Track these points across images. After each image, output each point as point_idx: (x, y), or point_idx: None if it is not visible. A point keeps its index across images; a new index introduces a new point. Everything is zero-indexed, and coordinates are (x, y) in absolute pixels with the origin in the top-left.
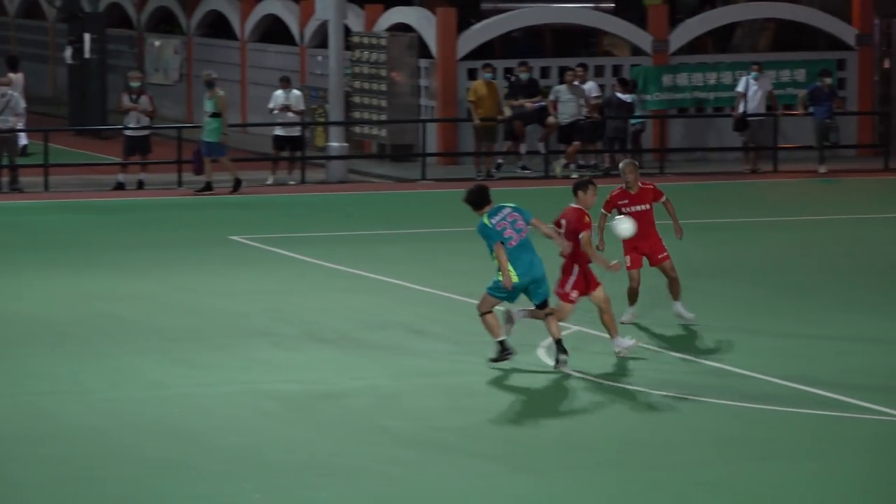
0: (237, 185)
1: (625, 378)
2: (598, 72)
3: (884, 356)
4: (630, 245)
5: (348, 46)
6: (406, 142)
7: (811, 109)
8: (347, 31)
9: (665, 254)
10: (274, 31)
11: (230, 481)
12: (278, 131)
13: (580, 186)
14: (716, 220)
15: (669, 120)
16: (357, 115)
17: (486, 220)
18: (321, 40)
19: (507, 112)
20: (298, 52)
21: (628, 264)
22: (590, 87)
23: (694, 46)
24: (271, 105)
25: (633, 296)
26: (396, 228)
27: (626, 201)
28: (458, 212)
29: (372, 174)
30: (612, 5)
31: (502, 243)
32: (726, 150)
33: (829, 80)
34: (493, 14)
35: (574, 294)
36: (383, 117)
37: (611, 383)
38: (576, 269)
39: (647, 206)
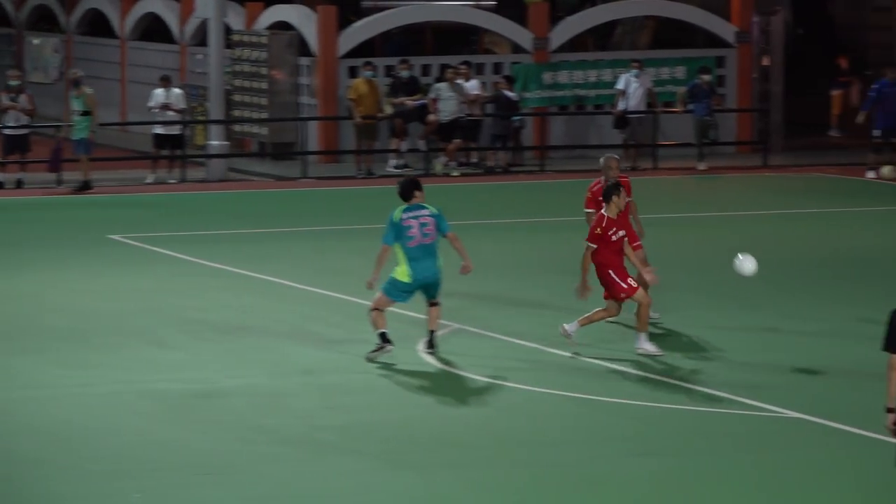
0: (85, 187)
1: (505, 375)
2: (479, 70)
3: (759, 352)
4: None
5: (229, 45)
6: (286, 140)
7: (691, 107)
8: (228, 30)
9: (639, 243)
10: (154, 29)
11: (109, 481)
12: (158, 130)
13: (613, 191)
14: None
15: (550, 117)
16: (237, 113)
17: (395, 213)
18: (201, 38)
19: (388, 110)
20: (178, 50)
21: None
22: (472, 84)
23: (574, 44)
24: (151, 104)
25: None
26: (277, 227)
27: None
28: (340, 210)
29: (252, 172)
30: (494, 3)
31: (398, 243)
32: (606, 147)
33: (708, 78)
34: (373, 12)
35: (632, 281)
36: (264, 115)
37: (491, 380)
38: (610, 272)
39: (629, 199)
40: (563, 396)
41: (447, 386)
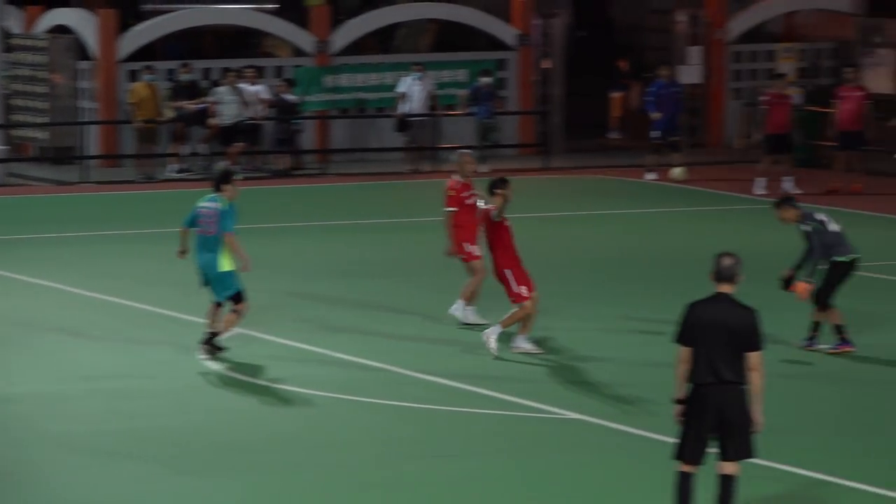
0: None
1: (288, 379)
2: (261, 73)
3: (538, 355)
4: (463, 238)
5: (7, 48)
6: (67, 144)
7: (472, 109)
8: (6, 34)
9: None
10: None
11: None
12: None
13: (496, 185)
14: (378, 221)
15: (331, 121)
16: (17, 117)
17: (200, 199)
18: None
19: (169, 114)
20: None
21: (479, 254)
22: (260, 88)
23: (356, 47)
24: None
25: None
26: (55, 232)
27: (469, 193)
28: (120, 214)
29: (32, 178)
30: (275, 6)
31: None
32: (388, 150)
33: (489, 80)
34: (153, 16)
35: (524, 290)
36: (44, 120)
37: (274, 385)
38: (507, 272)
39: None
40: (348, 400)
41: (230, 390)
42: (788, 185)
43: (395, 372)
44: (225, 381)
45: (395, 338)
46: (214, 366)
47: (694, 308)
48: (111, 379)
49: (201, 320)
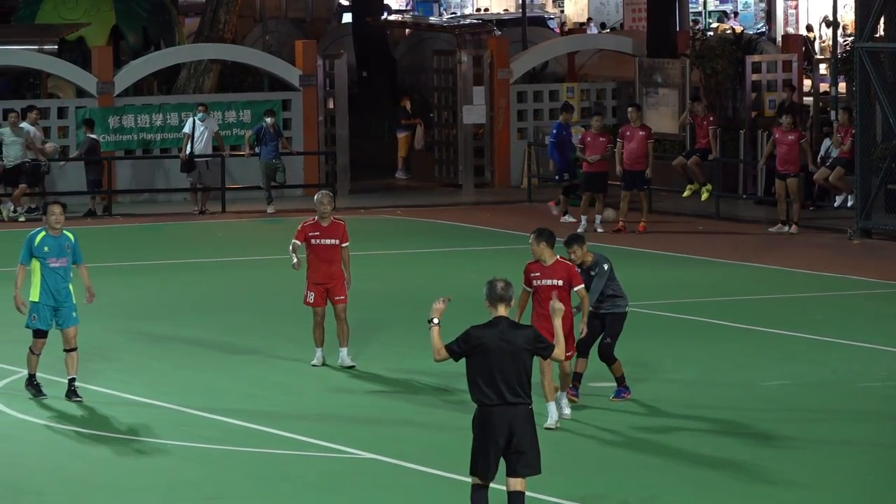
0: None
1: (78, 421)
2: (44, 114)
3: (335, 395)
4: (315, 280)
5: None
6: None
7: (258, 150)
8: None
9: (343, 297)
10: None
11: None
12: None
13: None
14: (165, 261)
15: (116, 162)
16: None
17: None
18: None
19: None
20: None
21: (311, 301)
22: (31, 129)
23: (140, 88)
24: None
25: (319, 335)
26: None
27: (318, 233)
28: None
29: None
30: (55, 48)
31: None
32: (174, 191)
33: (271, 121)
34: None
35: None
36: None
37: (64, 426)
38: None
39: (336, 242)
40: (137, 441)
41: (17, 432)
42: (598, 224)
43: (185, 412)
44: (14, 426)
45: (184, 378)
46: (6, 409)
47: (475, 331)
48: None
49: None
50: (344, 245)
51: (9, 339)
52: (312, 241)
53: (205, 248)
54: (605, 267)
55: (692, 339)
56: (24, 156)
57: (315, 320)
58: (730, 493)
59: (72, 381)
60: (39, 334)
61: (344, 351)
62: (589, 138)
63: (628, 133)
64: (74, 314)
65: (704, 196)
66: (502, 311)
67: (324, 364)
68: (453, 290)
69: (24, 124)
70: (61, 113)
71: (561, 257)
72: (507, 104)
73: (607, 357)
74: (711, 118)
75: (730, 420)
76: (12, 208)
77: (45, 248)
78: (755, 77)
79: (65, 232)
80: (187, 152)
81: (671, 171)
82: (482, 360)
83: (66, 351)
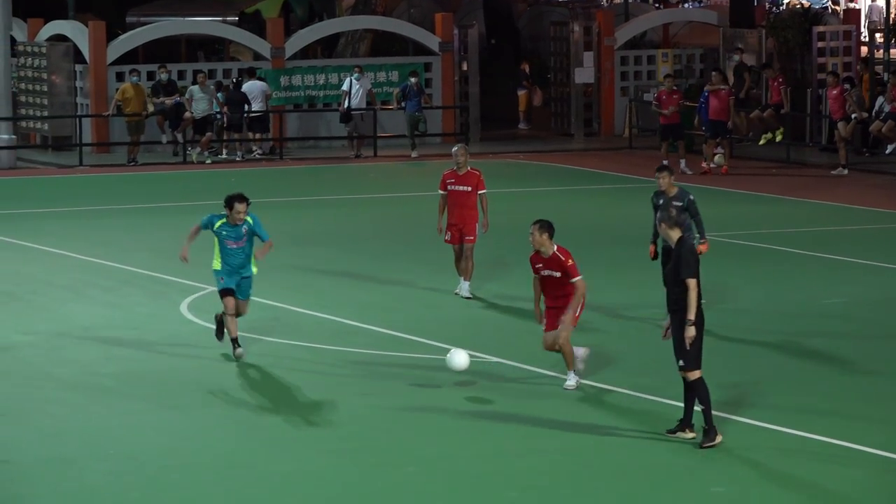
0: None
1: (258, 331)
2: (227, 74)
3: (429, 307)
4: (451, 221)
5: (14, 54)
6: (65, 134)
7: (403, 104)
8: (13, 41)
9: (472, 237)
10: None
11: None
12: None
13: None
14: (326, 197)
15: (287, 114)
16: (23, 111)
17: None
18: None
19: (151, 108)
20: None
21: (448, 239)
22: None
23: (306, 53)
24: None
25: (462, 269)
26: (57, 207)
27: (454, 180)
28: (110, 192)
29: (37, 162)
30: (236, 18)
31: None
32: (334, 138)
33: (416, 80)
34: (137, 26)
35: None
36: (45, 113)
37: (247, 335)
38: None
39: (470, 189)
40: (303, 346)
41: (206, 339)
42: (683, 167)
43: (342, 322)
44: (202, 332)
45: (340, 294)
46: (195, 319)
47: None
48: (105, 329)
49: (179, 280)
50: (480, 192)
51: (194, 262)
52: (449, 187)
53: (359, 187)
54: (692, 198)
55: (763, 263)
56: (210, 109)
57: (455, 255)
58: (828, 381)
59: (234, 339)
60: (226, 293)
61: (465, 284)
62: (664, 96)
63: (712, 91)
64: (250, 290)
65: (778, 138)
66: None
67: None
68: (568, 222)
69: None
70: (241, 74)
71: (559, 247)
72: (612, 67)
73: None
74: (781, 79)
75: (795, 330)
76: (199, 151)
77: (224, 233)
78: (820, 45)
79: (245, 218)
80: (345, 106)
81: (750, 122)
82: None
83: (238, 315)
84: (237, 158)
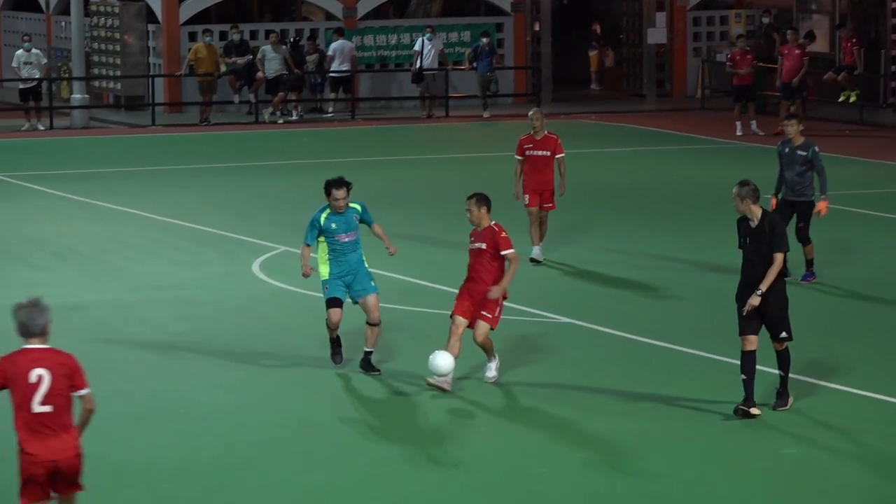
0: None
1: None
2: (298, 34)
3: (541, 270)
4: (530, 186)
5: (87, 14)
6: (138, 93)
7: (475, 65)
8: (86, 1)
9: (551, 204)
10: (23, 0)
11: None
12: (21, 85)
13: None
14: (398, 157)
15: (357, 74)
16: (96, 71)
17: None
18: (64, 8)
19: (223, 68)
20: (45, 18)
21: (527, 203)
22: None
23: (378, 13)
24: (13, 64)
25: (536, 233)
26: (131, 166)
27: (531, 145)
28: (183, 152)
29: (110, 121)
30: None
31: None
32: (406, 98)
33: (488, 40)
34: None
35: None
36: (118, 73)
37: (314, 293)
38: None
39: (548, 153)
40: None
41: (279, 301)
42: (754, 128)
43: (410, 282)
44: (274, 292)
45: (408, 253)
46: (266, 279)
47: None
48: (177, 289)
49: (251, 239)
50: (558, 156)
51: (266, 222)
52: (528, 152)
53: (431, 147)
54: (817, 149)
55: (843, 226)
56: (282, 68)
57: (530, 220)
58: None
59: (368, 353)
60: (333, 303)
61: (537, 248)
62: (738, 56)
63: (786, 51)
64: (372, 283)
65: (853, 98)
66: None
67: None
68: (640, 184)
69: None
70: (313, 34)
71: (496, 223)
72: (685, 27)
73: (803, 238)
74: (855, 39)
75: (873, 292)
76: (272, 112)
77: (333, 226)
78: (895, 5)
79: (351, 205)
80: (417, 66)
81: (823, 84)
82: None
83: (369, 325)
84: (293, 118)
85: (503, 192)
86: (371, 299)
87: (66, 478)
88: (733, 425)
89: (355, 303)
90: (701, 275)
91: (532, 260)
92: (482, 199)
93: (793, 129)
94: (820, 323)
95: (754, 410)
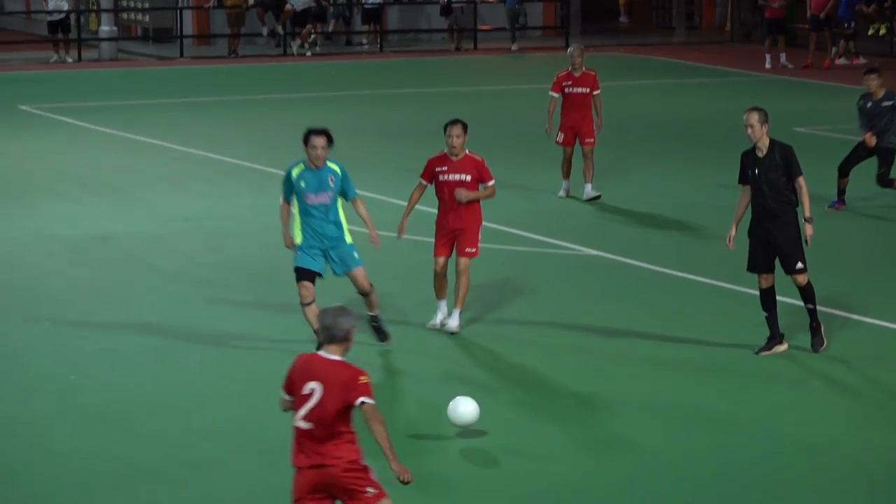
0: None
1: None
2: None
3: (566, 203)
4: (566, 124)
5: None
6: (166, 26)
7: None
8: None
9: (592, 140)
10: None
11: (17, 312)
12: (50, 17)
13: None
14: (427, 90)
15: (386, 7)
16: (124, 3)
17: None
18: None
19: (251, 0)
20: None
21: (560, 140)
22: None
23: None
24: None
25: (566, 169)
26: (159, 99)
27: (570, 82)
28: (211, 84)
29: (138, 53)
30: None
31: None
32: (435, 31)
33: None
34: None
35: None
36: (146, 5)
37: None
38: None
39: (587, 90)
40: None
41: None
42: (783, 61)
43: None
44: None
45: None
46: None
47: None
48: (205, 220)
49: (279, 171)
50: (595, 93)
51: (295, 154)
52: (567, 89)
53: (459, 79)
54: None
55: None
56: (310, 1)
57: (563, 156)
58: None
59: (373, 317)
60: (301, 275)
61: (588, 186)
62: None
63: None
64: (355, 255)
65: (882, 31)
66: None
67: (568, 195)
68: (667, 115)
69: None
70: None
71: (470, 152)
72: None
73: (884, 182)
74: None
75: None
76: (300, 44)
77: (302, 184)
78: None
79: (329, 164)
80: None
81: (857, 14)
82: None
83: (361, 294)
84: (312, 52)
85: (532, 125)
86: (358, 272)
87: None
88: (763, 358)
89: (339, 275)
90: (721, 209)
91: (588, 199)
92: (466, 127)
93: (874, 83)
94: (851, 255)
95: (780, 347)
